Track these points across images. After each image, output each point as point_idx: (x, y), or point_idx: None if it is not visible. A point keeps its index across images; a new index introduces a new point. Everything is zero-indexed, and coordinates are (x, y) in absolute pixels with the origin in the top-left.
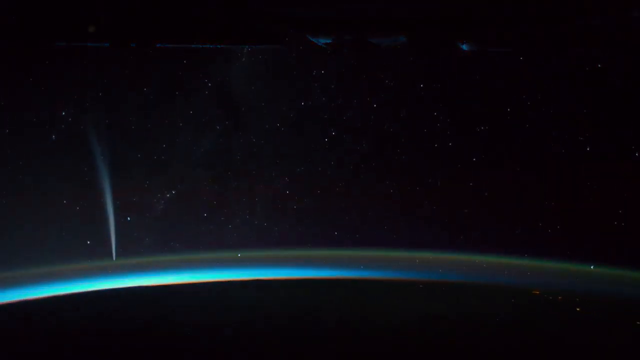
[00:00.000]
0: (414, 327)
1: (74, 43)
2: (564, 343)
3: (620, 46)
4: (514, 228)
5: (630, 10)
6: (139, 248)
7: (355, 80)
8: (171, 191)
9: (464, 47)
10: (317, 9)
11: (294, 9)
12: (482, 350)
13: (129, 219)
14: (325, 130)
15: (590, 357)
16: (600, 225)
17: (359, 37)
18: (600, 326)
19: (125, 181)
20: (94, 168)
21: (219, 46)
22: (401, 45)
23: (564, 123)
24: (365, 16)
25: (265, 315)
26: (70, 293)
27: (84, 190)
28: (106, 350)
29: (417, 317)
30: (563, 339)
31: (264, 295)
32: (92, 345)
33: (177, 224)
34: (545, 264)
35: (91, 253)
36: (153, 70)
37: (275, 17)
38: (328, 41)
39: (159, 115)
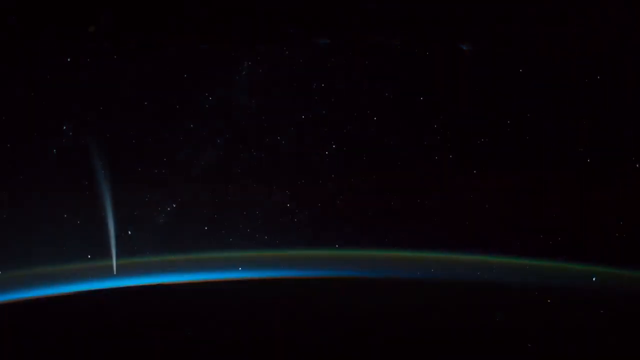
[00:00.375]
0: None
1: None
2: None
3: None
4: (513, 234)
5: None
6: (139, 261)
7: (355, 93)
8: (172, 204)
9: (464, 47)
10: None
11: (294, 9)
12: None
13: (130, 232)
14: (326, 143)
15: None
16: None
17: (359, 37)
18: (569, 315)
19: (125, 195)
20: (94, 182)
21: (218, 46)
22: (401, 46)
23: (563, 134)
24: (366, 16)
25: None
26: (70, 293)
27: (85, 203)
28: (106, 350)
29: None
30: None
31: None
32: (92, 345)
33: (178, 237)
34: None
35: (91, 267)
36: (153, 84)
37: (275, 17)
38: (327, 41)
39: (159, 128)
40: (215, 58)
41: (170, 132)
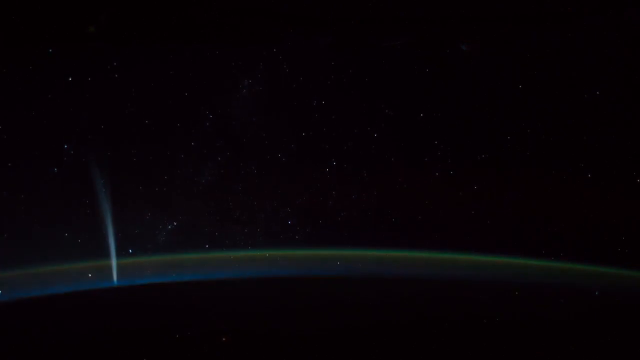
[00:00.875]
0: None
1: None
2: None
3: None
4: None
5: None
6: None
7: (356, 110)
8: (172, 222)
9: (463, 47)
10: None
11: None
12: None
13: (130, 250)
14: (326, 160)
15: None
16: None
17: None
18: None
19: (126, 213)
20: (95, 200)
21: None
22: (401, 46)
23: (563, 152)
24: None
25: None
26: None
27: (86, 223)
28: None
29: None
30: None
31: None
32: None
33: (179, 256)
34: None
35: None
36: (154, 102)
37: (275, 16)
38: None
39: (160, 147)
40: (216, 76)
41: (171, 153)
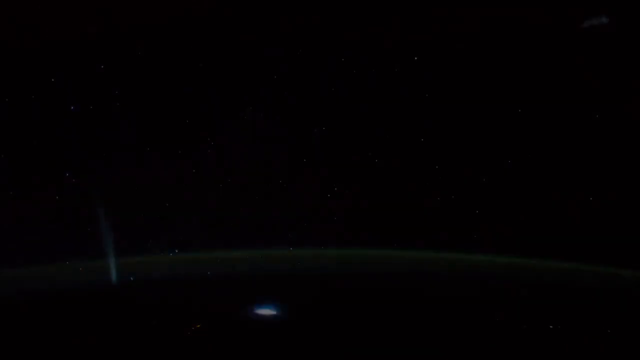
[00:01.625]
0: None
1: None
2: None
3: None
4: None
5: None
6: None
7: (356, 135)
8: (174, 250)
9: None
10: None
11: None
12: None
13: (132, 278)
14: (327, 184)
15: None
16: None
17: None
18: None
19: (128, 240)
20: (97, 228)
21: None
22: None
23: (564, 174)
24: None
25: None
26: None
27: (87, 250)
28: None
29: None
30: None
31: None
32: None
33: (182, 282)
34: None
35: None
36: (155, 127)
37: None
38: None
39: (162, 173)
40: (216, 103)
41: (173, 179)
